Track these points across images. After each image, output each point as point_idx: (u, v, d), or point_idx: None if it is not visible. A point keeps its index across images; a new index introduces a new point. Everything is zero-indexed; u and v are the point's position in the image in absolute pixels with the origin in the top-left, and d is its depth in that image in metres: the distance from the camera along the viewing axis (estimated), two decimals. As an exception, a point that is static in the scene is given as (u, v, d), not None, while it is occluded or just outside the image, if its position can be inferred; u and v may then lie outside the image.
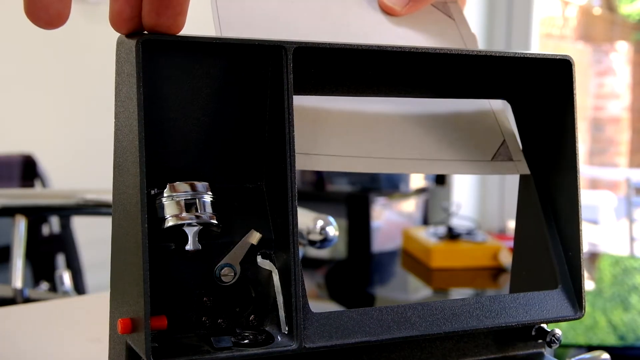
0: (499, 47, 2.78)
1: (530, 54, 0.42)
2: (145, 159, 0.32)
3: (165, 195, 0.35)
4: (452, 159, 0.44)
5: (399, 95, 0.43)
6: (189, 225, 0.35)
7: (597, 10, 4.80)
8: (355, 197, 2.25)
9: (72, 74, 1.96)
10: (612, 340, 1.30)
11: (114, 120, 0.36)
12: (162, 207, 0.35)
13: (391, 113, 0.43)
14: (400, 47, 0.39)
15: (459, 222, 2.10)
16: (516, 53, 0.41)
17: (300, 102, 0.41)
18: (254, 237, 0.36)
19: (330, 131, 0.41)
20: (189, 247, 0.35)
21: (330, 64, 0.40)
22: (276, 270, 0.36)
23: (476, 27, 2.69)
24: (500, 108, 0.47)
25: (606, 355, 0.46)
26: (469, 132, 0.45)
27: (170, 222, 0.34)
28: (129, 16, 0.33)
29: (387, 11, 0.46)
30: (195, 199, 0.35)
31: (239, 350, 0.34)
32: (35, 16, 0.30)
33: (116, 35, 0.34)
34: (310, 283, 1.79)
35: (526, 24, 2.77)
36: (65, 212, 1.15)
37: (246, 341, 0.34)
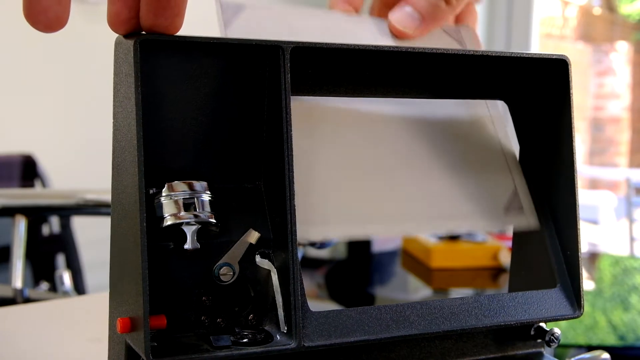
0: (499, 47, 2.78)
1: (526, 54, 0.42)
2: (144, 159, 0.32)
3: (163, 194, 0.35)
4: (466, 215, 0.43)
5: (397, 96, 0.43)
6: (188, 224, 0.35)
7: (597, 10, 4.80)
8: (355, 197, 2.24)
9: (71, 74, 1.96)
10: (612, 340, 1.30)
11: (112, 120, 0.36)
12: (160, 206, 0.35)
13: (397, 147, 0.42)
14: (397, 47, 0.39)
15: (459, 222, 2.10)
16: (513, 53, 0.41)
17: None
18: (253, 236, 0.36)
19: (331, 190, 0.40)
20: (187, 246, 0.35)
21: (328, 65, 0.40)
22: (275, 270, 0.36)
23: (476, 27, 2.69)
24: (511, 150, 0.45)
25: (606, 355, 0.46)
26: (479, 178, 0.44)
27: (168, 221, 0.34)
28: (127, 17, 0.33)
29: (398, 35, 0.44)
30: (194, 198, 0.35)
31: (238, 349, 0.34)
32: (34, 19, 0.31)
33: (116, 35, 0.34)
34: (310, 283, 1.78)
35: (526, 24, 2.77)
36: (65, 212, 1.15)
37: (245, 340, 0.34)
